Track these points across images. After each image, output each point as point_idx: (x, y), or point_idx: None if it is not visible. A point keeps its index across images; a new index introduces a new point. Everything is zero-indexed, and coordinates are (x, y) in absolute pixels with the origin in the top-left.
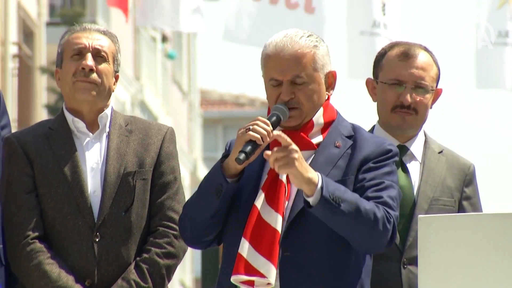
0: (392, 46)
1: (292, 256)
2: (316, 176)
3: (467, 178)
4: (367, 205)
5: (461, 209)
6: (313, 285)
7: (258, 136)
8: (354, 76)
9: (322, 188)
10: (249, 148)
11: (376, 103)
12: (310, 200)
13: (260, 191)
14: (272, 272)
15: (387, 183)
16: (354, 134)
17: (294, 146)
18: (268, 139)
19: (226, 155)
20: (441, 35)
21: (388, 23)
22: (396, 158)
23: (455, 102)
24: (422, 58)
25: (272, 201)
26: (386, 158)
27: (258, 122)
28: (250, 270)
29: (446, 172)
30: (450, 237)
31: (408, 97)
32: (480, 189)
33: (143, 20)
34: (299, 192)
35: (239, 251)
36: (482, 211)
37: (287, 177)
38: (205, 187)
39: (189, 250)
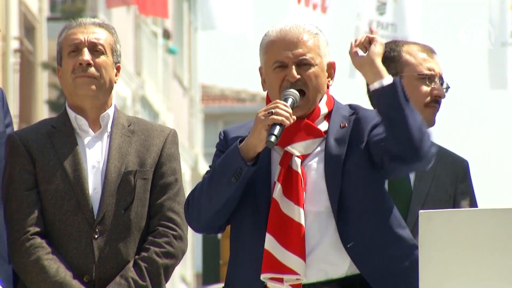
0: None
1: (356, 245)
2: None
3: (462, 174)
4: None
5: (456, 204)
6: (387, 262)
7: (283, 118)
8: None
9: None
10: (277, 129)
11: None
12: (390, 78)
13: (277, 183)
14: (303, 269)
15: None
16: (354, 110)
17: None
18: (291, 120)
19: (241, 139)
20: (452, 35)
21: (396, 23)
22: None
23: (469, 103)
24: None
25: (290, 193)
26: None
27: (279, 105)
28: (281, 267)
29: (440, 168)
30: (450, 232)
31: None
32: (481, 186)
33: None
34: (316, 182)
35: (266, 247)
36: (477, 206)
37: (302, 167)
38: (221, 171)
39: (190, 245)
